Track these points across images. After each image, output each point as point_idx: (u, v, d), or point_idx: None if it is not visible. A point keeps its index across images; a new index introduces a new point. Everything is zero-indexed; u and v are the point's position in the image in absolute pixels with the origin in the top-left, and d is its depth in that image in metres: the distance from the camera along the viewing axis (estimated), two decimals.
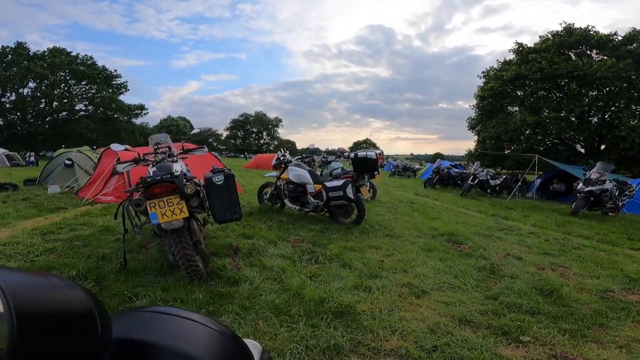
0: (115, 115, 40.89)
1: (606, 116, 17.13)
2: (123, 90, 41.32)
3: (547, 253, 4.61)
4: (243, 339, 0.52)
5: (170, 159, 3.54)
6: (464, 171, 14.47)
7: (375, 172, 8.93)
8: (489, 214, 7.99)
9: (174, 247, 2.86)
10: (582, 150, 18.43)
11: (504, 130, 17.76)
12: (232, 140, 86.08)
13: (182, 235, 2.88)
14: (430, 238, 5.08)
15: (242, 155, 72.14)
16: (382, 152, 7.41)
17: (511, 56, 19.84)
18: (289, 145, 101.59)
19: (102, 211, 6.06)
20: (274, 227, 5.24)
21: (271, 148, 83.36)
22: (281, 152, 6.40)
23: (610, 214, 8.75)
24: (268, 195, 6.63)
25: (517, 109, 18.84)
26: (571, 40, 17.07)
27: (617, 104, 15.74)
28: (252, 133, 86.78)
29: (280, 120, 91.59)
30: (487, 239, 5.29)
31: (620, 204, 8.73)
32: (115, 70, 40.94)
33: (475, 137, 21.73)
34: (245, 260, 3.64)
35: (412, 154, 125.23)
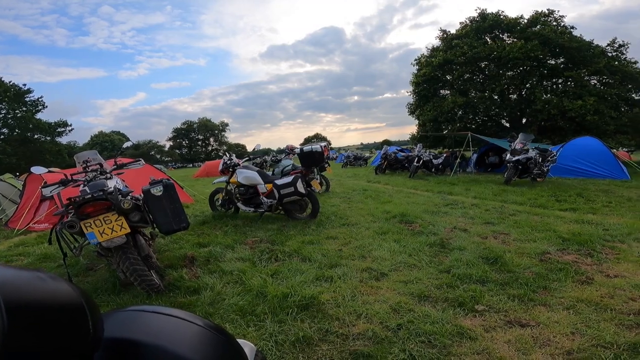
0: (36, 136, 36.61)
1: (523, 93, 18.97)
2: (40, 107, 36.98)
3: (488, 222, 5.03)
4: (237, 339, 0.52)
5: (103, 176, 3.33)
6: (410, 154, 15.22)
7: (326, 165, 9.08)
8: (435, 191, 8.49)
9: (122, 265, 2.78)
10: (507, 125, 20.26)
11: (439, 112, 18.93)
12: (177, 151, 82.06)
13: (128, 251, 2.80)
14: (384, 222, 5.28)
15: (192, 165, 69.01)
16: (328, 144, 7.51)
17: (438, 43, 21.16)
18: (239, 149, 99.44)
19: (38, 239, 5.51)
20: (230, 232, 5.10)
21: (220, 154, 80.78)
22: (227, 156, 6.22)
23: (538, 179, 9.75)
24: (220, 202, 6.41)
25: (449, 92, 20.17)
26: (485, 25, 18.65)
27: (530, 81, 17.54)
28: (198, 140, 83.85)
29: (227, 125, 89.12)
30: (435, 215, 5.63)
31: (545, 169, 9.76)
32: (25, 85, 36.57)
33: (416, 122, 22.88)
34: (204, 268, 3.52)
35: (362, 144, 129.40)
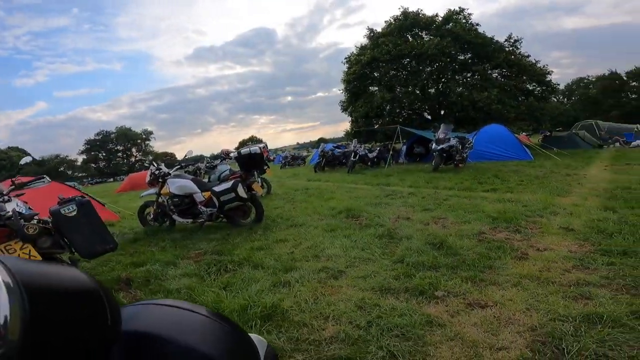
0: None
1: (440, 87, 20.78)
2: None
3: (426, 209, 5.34)
4: (250, 335, 0.52)
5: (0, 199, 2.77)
6: (346, 150, 15.66)
7: (265, 167, 8.85)
8: (374, 184, 8.82)
9: None
10: (429, 117, 22.03)
11: (370, 108, 19.81)
12: (92, 165, 73.47)
13: None
14: (330, 218, 5.29)
15: (112, 179, 62.28)
16: (266, 145, 7.30)
17: (366, 41, 22.09)
18: (168, 158, 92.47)
19: None
20: (168, 248, 4.64)
21: (146, 165, 74.60)
22: (154, 165, 5.67)
23: (460, 165, 10.75)
24: (152, 216, 5.82)
25: (377, 88, 21.21)
26: (407, 24, 20.04)
27: (445, 76, 19.32)
28: (118, 152, 76.18)
29: (151, 133, 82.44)
30: (378, 207, 5.82)
31: (464, 155, 10.80)
32: None
33: (349, 118, 23.65)
34: (144, 290, 3.12)
35: (298, 143, 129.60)
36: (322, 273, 3.09)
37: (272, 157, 41.89)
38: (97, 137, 74.40)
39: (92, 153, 74.23)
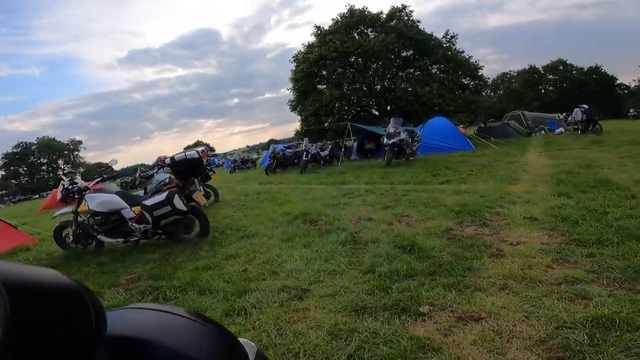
0: None
1: (385, 83, 21.24)
2: None
3: (387, 206, 5.09)
4: (238, 339, 0.52)
5: None
6: (298, 150, 15.21)
7: (210, 173, 8.09)
8: (329, 183, 8.49)
9: None
10: (377, 113, 22.44)
11: (319, 106, 19.62)
12: (13, 181, 64.80)
13: None
14: (287, 225, 4.81)
15: (38, 196, 55.22)
16: (207, 148, 6.57)
17: (313, 40, 21.85)
18: (102, 169, 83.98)
19: None
20: (92, 274, 3.86)
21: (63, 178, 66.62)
22: (66, 180, 4.76)
23: (410, 158, 10.86)
24: (72, 237, 4.87)
25: (325, 86, 21.09)
26: (353, 21, 20.16)
27: (390, 72, 19.78)
28: (42, 165, 68.29)
29: (80, 142, 74.87)
30: (336, 208, 5.46)
31: (414, 148, 10.94)
32: None
33: (299, 117, 23.26)
34: None
35: (247, 146, 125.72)
36: (283, 294, 2.61)
37: (220, 162, 40.18)
38: (15, 150, 66.25)
39: (12, 168, 65.79)
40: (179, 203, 4.24)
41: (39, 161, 68.23)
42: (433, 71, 19.03)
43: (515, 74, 58.54)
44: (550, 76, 53.81)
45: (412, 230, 3.74)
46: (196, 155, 4.92)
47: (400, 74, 20.64)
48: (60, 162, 70.85)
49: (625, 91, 50.51)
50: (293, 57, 22.90)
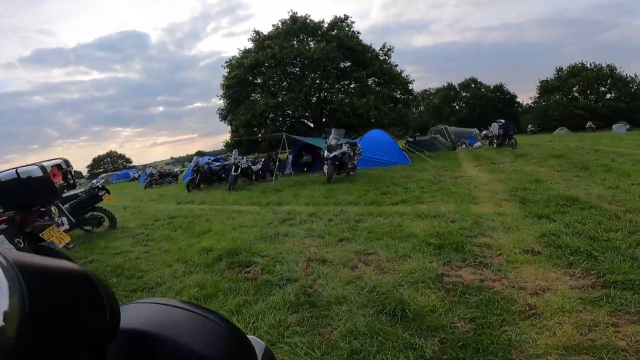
0: None
1: (322, 94, 20.65)
2: None
3: (342, 239, 3.94)
4: (248, 336, 0.51)
5: None
6: (226, 163, 13.46)
7: (102, 193, 6.16)
8: (263, 203, 7.11)
9: None
10: (312, 125, 21.68)
11: (252, 115, 18.07)
12: None
13: None
14: (204, 271, 3.37)
15: None
16: (64, 162, 4.71)
17: (250, 45, 20.29)
18: None
19: None
20: None
21: None
22: None
23: (351, 173, 10.04)
24: None
25: (259, 95, 19.66)
26: (295, 28, 19.16)
27: (328, 82, 19.17)
28: None
29: None
30: (275, 241, 4.15)
31: (355, 162, 10.16)
32: None
33: (229, 127, 21.38)
34: None
35: (172, 158, 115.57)
36: None
37: (136, 175, 35.58)
38: None
39: None
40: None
41: None
42: (369, 83, 18.88)
43: (434, 91, 63.52)
44: (464, 93, 59.54)
45: (389, 278, 2.63)
46: (38, 173, 3.21)
47: (337, 85, 20.18)
48: None
49: (519, 109, 58.06)
50: (226, 62, 21.13)
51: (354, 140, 11.00)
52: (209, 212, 6.80)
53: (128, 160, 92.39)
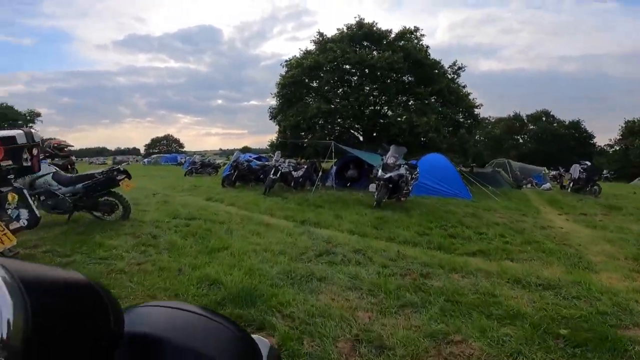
0: None
1: (378, 106, 19.35)
2: None
3: (405, 304, 2.61)
4: (252, 336, 0.52)
5: None
6: (267, 163, 12.60)
7: (121, 177, 5.36)
8: (297, 220, 5.93)
9: None
10: (361, 138, 20.42)
11: (302, 119, 17.25)
12: None
13: None
14: None
15: None
16: (32, 134, 3.87)
17: (312, 47, 19.69)
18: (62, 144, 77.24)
19: None
20: None
21: None
22: None
23: (402, 198, 8.60)
24: None
25: (312, 99, 18.85)
26: (360, 34, 18.21)
27: (388, 94, 17.80)
28: None
29: (38, 115, 68.97)
30: (306, 289, 2.90)
31: (411, 188, 8.71)
32: None
33: (277, 128, 20.84)
34: None
35: (221, 149, 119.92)
36: None
37: (182, 160, 36.41)
38: None
39: None
40: None
41: None
42: (431, 101, 17.22)
43: (494, 120, 57.91)
44: (532, 126, 53.48)
45: None
46: None
47: (396, 99, 18.65)
48: None
49: (594, 150, 50.94)
50: (286, 61, 20.70)
51: (414, 163, 9.47)
52: (234, 219, 5.73)
53: (181, 145, 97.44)
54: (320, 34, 19.94)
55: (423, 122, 15.24)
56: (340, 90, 19.53)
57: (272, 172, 9.82)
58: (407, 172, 7.99)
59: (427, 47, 18.16)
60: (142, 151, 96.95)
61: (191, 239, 4.35)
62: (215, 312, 0.49)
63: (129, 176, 5.54)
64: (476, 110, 19.82)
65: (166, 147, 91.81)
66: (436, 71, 17.31)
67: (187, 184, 12.71)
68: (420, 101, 17.32)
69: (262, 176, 12.09)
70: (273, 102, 21.03)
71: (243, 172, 11.82)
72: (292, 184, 10.66)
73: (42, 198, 5.25)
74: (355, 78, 18.69)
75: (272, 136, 23.18)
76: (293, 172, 10.56)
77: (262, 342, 0.55)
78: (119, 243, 4.03)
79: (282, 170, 10.04)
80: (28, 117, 66.60)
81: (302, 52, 19.95)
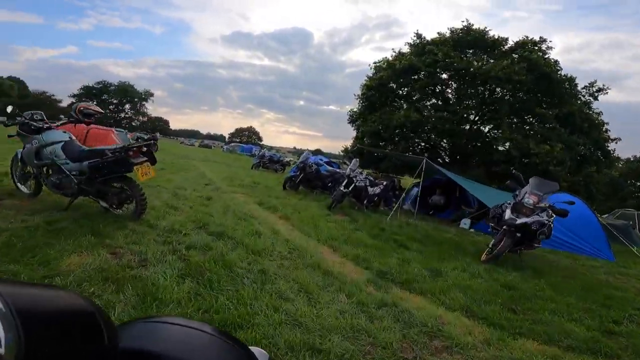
0: None
1: (477, 125, 16.14)
2: None
3: None
4: (250, 348, 0.50)
5: None
6: (338, 171, 10.70)
7: (144, 163, 3.86)
8: (373, 267, 3.77)
9: None
10: (447, 159, 17.30)
11: (385, 126, 15.01)
12: None
13: None
14: None
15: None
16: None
17: (406, 49, 17.40)
18: (160, 124, 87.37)
19: None
20: None
21: (133, 124, 71.90)
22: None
23: (524, 250, 5.86)
24: None
25: (400, 106, 16.48)
26: (468, 39, 15.34)
27: (497, 112, 14.50)
28: (110, 104, 71.15)
29: (151, 94, 79.05)
30: None
31: (541, 238, 5.91)
32: None
33: (354, 133, 18.98)
34: None
35: (295, 148, 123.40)
36: None
37: (255, 152, 36.59)
38: (95, 85, 70.56)
39: (84, 99, 69.89)
40: None
41: (110, 100, 71.62)
42: (557, 126, 13.41)
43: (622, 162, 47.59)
44: None
45: None
46: None
47: (509, 119, 15.06)
48: (127, 106, 74.79)
49: None
50: (374, 62, 18.75)
51: (564, 206, 6.26)
52: (277, 250, 3.79)
53: (260, 138, 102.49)
54: (419, 36, 17.44)
55: (544, 151, 11.79)
56: (434, 100, 16.81)
57: (343, 184, 7.80)
58: (550, 219, 5.22)
59: (556, 61, 14.46)
60: (226, 138, 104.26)
61: (189, 281, 2.50)
62: (212, 326, 0.48)
63: (152, 160, 4.01)
64: (609, 146, 15.40)
65: (247, 138, 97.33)
66: (567, 90, 13.56)
67: (248, 179, 11.41)
68: (542, 125, 13.68)
69: (330, 184, 10.20)
70: (354, 107, 19.23)
71: (309, 176, 10.04)
72: (365, 202, 8.51)
73: (49, 172, 4.01)
74: (460, 85, 15.80)
75: (347, 142, 21.28)
76: (369, 188, 8.41)
77: (261, 354, 0.53)
78: (68, 267, 2.37)
79: (357, 184, 7.95)
80: (143, 96, 76.10)
81: (394, 54, 17.72)
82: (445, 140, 16.70)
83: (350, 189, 7.78)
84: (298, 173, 10.48)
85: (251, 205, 6.45)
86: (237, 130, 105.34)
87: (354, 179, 7.86)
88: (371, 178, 9.30)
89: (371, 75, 18.04)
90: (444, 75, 15.91)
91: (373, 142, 15.65)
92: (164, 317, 0.48)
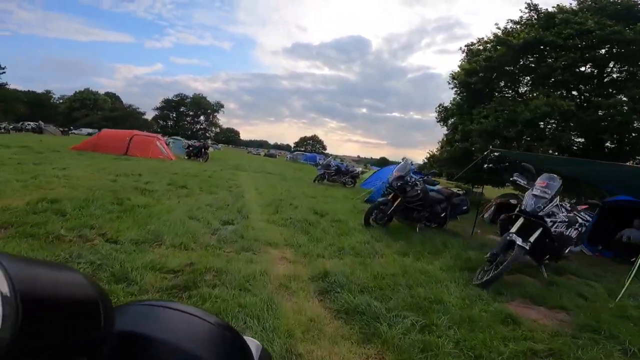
0: None
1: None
2: None
3: None
4: (244, 337, 0.50)
5: None
6: (443, 191, 6.44)
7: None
8: None
9: None
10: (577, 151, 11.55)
11: (504, 120, 10.18)
12: (160, 121, 75.85)
13: None
14: None
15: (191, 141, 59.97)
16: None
17: (525, 16, 12.47)
18: (231, 134, 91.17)
19: None
20: None
21: (208, 135, 76.65)
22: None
23: None
24: None
25: (525, 92, 11.50)
26: (612, 8, 10.11)
27: None
28: (187, 116, 78.22)
29: (222, 106, 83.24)
30: None
31: None
32: None
33: (442, 136, 14.42)
34: None
35: (358, 156, 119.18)
36: None
37: (320, 162, 33.25)
38: (174, 99, 76.98)
39: (165, 112, 76.77)
40: None
41: (187, 112, 78.26)
42: None
43: None
44: None
45: None
46: None
47: None
48: (202, 117, 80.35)
49: None
50: (467, 45, 14.06)
51: None
52: None
53: (324, 147, 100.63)
54: (533, 7, 12.19)
55: None
56: (581, 86, 11.39)
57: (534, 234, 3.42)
58: None
59: None
60: (292, 148, 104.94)
61: None
62: (207, 312, 0.47)
63: None
64: None
65: (311, 146, 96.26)
66: None
67: (306, 203, 7.51)
68: None
69: (444, 214, 5.94)
70: (447, 84, 14.64)
71: (408, 199, 5.85)
72: (546, 259, 4.03)
73: None
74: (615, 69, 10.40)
75: (412, 153, 16.69)
76: (572, 231, 3.91)
77: (254, 343, 0.53)
78: None
79: (556, 228, 3.51)
80: (215, 108, 79.89)
81: (509, 26, 12.65)
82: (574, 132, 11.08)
83: (528, 247, 3.35)
84: (387, 193, 6.39)
85: (314, 259, 2.54)
86: (301, 139, 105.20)
87: (554, 221, 3.43)
88: (569, 204, 4.58)
89: (464, 59, 13.32)
90: (602, 51, 10.55)
91: (486, 143, 10.83)
92: (159, 302, 0.47)
